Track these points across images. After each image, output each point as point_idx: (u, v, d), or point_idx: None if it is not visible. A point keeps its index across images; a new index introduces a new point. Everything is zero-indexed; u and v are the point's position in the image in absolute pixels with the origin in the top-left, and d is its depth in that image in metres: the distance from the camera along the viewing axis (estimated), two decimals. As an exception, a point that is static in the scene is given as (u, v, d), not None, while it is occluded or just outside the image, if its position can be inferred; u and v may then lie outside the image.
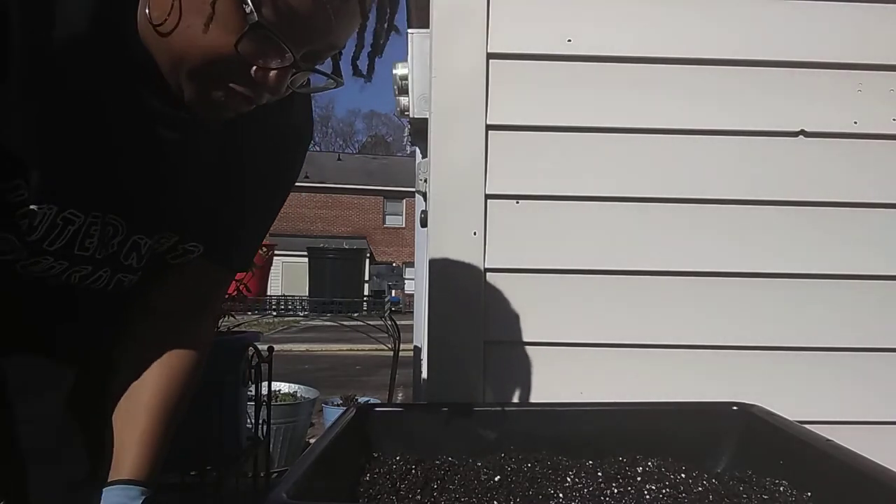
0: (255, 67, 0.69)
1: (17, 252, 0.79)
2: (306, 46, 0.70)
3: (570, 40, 1.32)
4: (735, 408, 1.04)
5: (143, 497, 0.82)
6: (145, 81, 0.74)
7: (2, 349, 0.88)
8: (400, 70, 2.23)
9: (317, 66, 0.75)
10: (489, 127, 1.32)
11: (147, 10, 0.70)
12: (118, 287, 0.89)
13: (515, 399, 1.31)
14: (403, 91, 2.22)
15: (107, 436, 0.89)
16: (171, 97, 0.75)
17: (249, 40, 0.67)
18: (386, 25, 0.74)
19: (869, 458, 0.80)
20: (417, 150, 2.91)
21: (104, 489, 0.82)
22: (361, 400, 4.17)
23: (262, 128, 0.87)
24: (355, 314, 3.55)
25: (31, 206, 0.75)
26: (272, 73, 0.70)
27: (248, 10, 0.65)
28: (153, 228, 0.87)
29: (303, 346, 11.16)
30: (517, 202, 1.33)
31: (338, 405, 4.61)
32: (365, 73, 0.77)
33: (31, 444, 0.89)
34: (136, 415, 0.89)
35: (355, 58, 0.76)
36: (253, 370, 2.53)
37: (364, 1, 0.69)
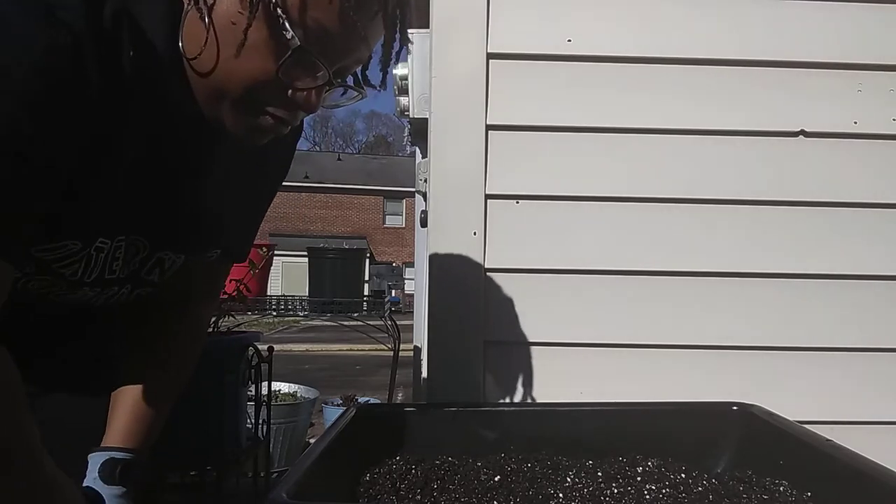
0: (292, 89, 0.71)
1: (59, 287, 0.81)
2: (338, 63, 0.73)
3: (570, 40, 1.32)
4: (735, 408, 1.04)
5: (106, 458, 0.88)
6: (187, 110, 0.75)
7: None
8: (400, 70, 2.23)
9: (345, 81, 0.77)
10: (489, 127, 1.32)
11: (181, 44, 0.71)
12: (136, 299, 0.92)
13: (515, 399, 1.31)
14: (403, 91, 2.21)
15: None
16: (204, 124, 0.76)
17: (288, 65, 0.69)
18: (398, 35, 0.76)
19: (869, 458, 0.80)
20: (417, 150, 2.91)
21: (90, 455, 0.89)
22: (361, 400, 4.17)
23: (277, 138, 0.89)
24: (355, 314, 3.54)
25: (77, 257, 0.77)
26: (309, 93, 0.72)
27: (288, 35, 0.67)
28: (181, 246, 0.89)
29: (303, 346, 11.17)
30: (517, 202, 1.33)
31: (338, 405, 4.61)
32: (380, 82, 0.79)
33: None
34: (126, 389, 0.95)
35: (364, 68, 0.77)
36: (253, 370, 2.53)
37: (388, 15, 0.72)
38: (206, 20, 0.68)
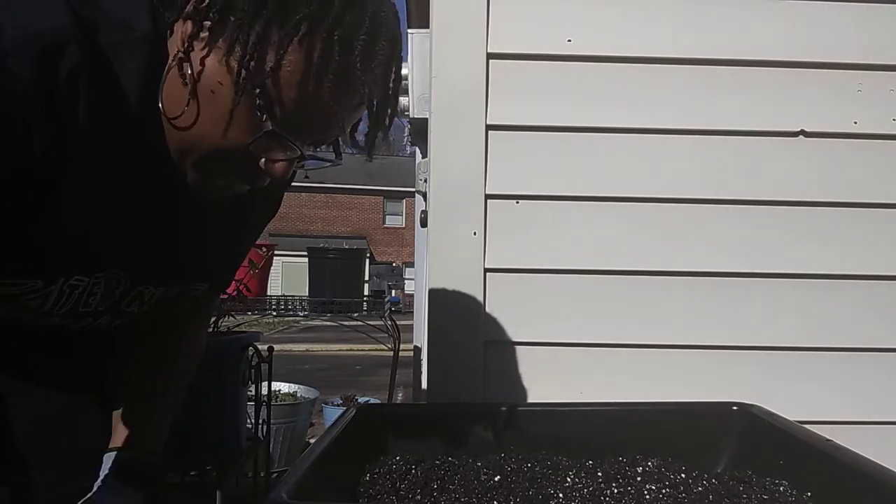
0: (263, 160, 0.72)
1: (27, 316, 0.82)
2: (313, 139, 0.74)
3: (570, 40, 1.32)
4: (735, 408, 1.04)
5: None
6: (163, 154, 0.76)
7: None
8: (400, 70, 2.23)
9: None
10: (489, 127, 1.32)
11: (161, 103, 0.72)
12: (117, 328, 0.93)
13: (515, 399, 1.31)
14: (403, 91, 2.22)
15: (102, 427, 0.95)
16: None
17: (260, 140, 0.69)
18: (388, 118, 0.76)
19: (869, 458, 0.80)
20: (417, 150, 2.91)
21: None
22: (361, 400, 4.17)
23: None
24: (355, 314, 3.54)
25: (41, 294, 0.78)
26: (279, 164, 0.73)
27: (263, 118, 0.67)
28: (162, 280, 0.90)
29: (303, 346, 11.16)
30: (517, 202, 1.33)
31: (338, 405, 4.61)
32: (367, 151, 0.79)
33: (26, 438, 0.91)
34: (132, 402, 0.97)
35: (352, 132, 0.78)
36: (253, 370, 2.53)
37: (371, 106, 0.73)
38: (189, 87, 0.68)
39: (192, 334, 1.06)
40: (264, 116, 0.67)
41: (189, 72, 0.68)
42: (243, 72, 0.66)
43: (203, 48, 0.68)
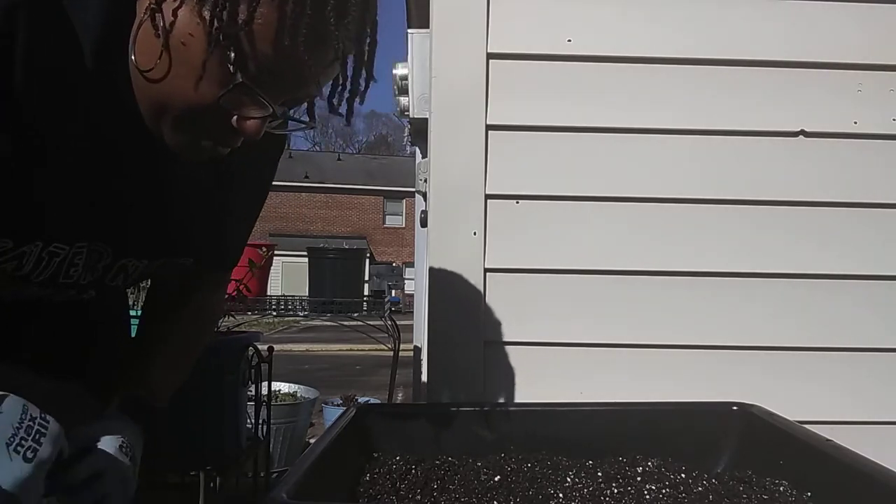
0: (235, 117, 0.72)
1: (3, 284, 0.80)
2: (286, 97, 0.74)
3: (570, 40, 1.32)
4: (735, 408, 1.04)
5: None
6: (139, 120, 0.75)
7: None
8: (400, 70, 2.24)
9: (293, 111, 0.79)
10: (489, 127, 1.32)
11: (133, 56, 0.71)
12: (101, 302, 0.93)
13: (515, 399, 1.31)
14: (403, 91, 2.22)
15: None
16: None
17: (232, 95, 0.69)
18: (364, 73, 0.76)
19: (869, 458, 0.80)
20: (417, 150, 2.91)
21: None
22: (361, 400, 4.17)
23: (248, 146, 0.90)
24: (355, 314, 3.54)
25: (13, 255, 0.76)
26: (251, 121, 0.72)
27: (232, 70, 0.67)
28: (144, 253, 0.89)
29: (303, 346, 11.16)
30: (517, 202, 1.33)
31: (338, 405, 4.61)
32: (344, 113, 0.79)
33: None
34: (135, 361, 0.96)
35: (331, 96, 0.78)
36: (253, 370, 2.53)
37: (345, 63, 0.72)
38: (162, 39, 0.68)
39: (198, 303, 1.04)
40: (232, 69, 0.67)
41: (161, 23, 0.68)
42: (215, 22, 0.65)
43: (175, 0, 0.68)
